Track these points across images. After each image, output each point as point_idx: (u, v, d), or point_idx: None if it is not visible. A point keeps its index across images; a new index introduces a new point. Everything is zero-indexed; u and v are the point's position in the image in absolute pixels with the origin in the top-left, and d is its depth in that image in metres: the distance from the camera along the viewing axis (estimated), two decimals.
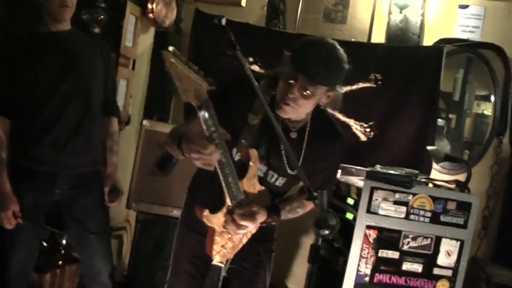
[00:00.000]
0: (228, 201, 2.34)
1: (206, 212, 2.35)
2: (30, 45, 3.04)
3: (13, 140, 3.00)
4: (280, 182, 2.51)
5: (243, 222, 2.34)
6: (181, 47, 4.93)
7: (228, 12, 4.12)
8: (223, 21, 2.17)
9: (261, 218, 2.38)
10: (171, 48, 1.88)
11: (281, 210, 2.50)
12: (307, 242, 4.33)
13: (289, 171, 2.45)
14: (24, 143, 3.00)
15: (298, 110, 2.31)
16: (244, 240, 2.55)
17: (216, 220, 2.38)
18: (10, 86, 2.98)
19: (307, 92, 2.22)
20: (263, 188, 2.48)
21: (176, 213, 3.87)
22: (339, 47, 2.28)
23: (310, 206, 2.59)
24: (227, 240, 2.46)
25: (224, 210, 2.36)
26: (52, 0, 2.96)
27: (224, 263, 2.52)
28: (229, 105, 2.35)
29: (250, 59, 4.52)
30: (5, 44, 3.07)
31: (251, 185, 2.43)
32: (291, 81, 2.22)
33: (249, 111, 2.36)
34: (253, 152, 2.38)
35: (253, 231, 2.54)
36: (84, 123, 3.09)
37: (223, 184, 2.28)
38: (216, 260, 2.49)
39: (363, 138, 4.45)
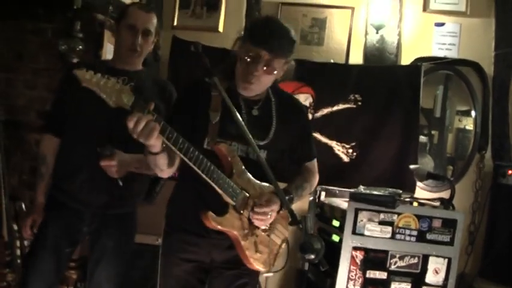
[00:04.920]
0: (229, 200, 2.27)
1: (211, 214, 2.23)
2: None
3: (54, 170, 2.98)
4: (262, 154, 2.41)
5: (266, 209, 2.29)
6: (160, 74, 4.92)
7: (205, 38, 4.12)
8: (200, 49, 2.19)
9: (277, 202, 2.32)
10: (80, 69, 1.92)
11: (288, 189, 2.46)
12: (295, 266, 4.30)
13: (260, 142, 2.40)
14: (62, 176, 2.94)
15: (261, 86, 2.38)
16: (279, 241, 2.49)
17: (227, 222, 2.27)
18: (62, 109, 2.93)
19: (271, 66, 2.28)
20: (257, 182, 2.41)
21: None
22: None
23: (313, 178, 2.64)
24: (257, 244, 2.37)
25: (231, 210, 2.28)
26: (122, 43, 2.90)
27: (271, 271, 2.47)
28: (191, 106, 2.41)
29: None
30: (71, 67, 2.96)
31: (245, 181, 2.36)
32: (254, 59, 2.26)
33: (208, 109, 2.35)
34: (224, 147, 2.33)
35: (285, 232, 2.52)
36: None
37: (213, 184, 2.20)
38: (262, 270, 2.41)
39: (345, 159, 4.46)
